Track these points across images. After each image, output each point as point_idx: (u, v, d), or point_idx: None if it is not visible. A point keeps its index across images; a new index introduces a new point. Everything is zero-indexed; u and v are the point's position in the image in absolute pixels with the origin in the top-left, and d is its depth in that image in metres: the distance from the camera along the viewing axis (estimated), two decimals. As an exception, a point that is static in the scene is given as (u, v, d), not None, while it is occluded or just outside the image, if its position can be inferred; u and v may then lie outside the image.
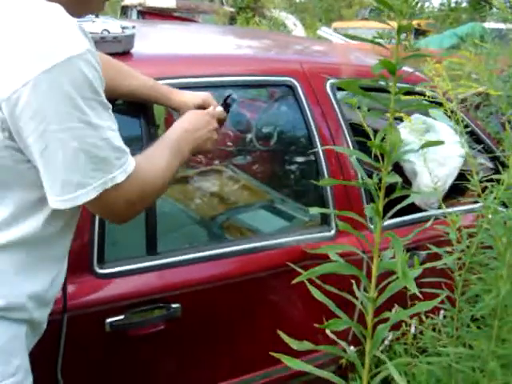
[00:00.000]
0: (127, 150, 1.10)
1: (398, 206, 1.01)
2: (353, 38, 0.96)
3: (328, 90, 2.16)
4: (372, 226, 2.21)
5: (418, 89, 1.47)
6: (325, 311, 1.10)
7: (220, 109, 1.62)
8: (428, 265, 1.04)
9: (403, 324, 1.66)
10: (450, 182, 2.69)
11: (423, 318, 1.61)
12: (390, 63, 0.83)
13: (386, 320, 1.03)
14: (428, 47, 6.69)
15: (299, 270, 1.05)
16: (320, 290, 1.07)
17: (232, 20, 13.16)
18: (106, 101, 1.05)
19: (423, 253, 1.80)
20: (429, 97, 1.68)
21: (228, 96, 1.67)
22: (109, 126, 1.05)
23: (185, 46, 2.21)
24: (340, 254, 1.97)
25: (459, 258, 1.40)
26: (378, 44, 0.97)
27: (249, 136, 2.54)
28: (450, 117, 1.68)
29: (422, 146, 0.94)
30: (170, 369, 1.81)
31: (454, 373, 1.30)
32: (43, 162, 0.99)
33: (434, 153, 2.68)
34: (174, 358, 1.81)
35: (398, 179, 0.93)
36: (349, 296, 0.99)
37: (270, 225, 2.27)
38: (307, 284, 1.01)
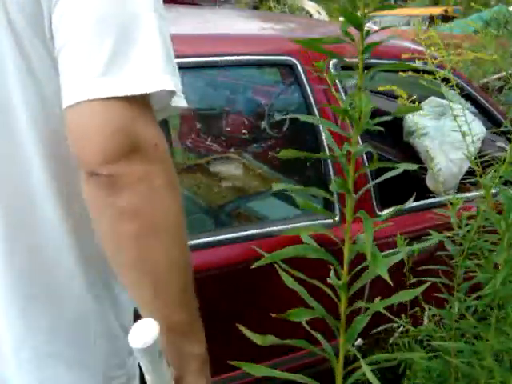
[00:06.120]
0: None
1: (383, 177, 0.90)
2: None
3: (331, 69, 2.05)
4: (380, 213, 2.14)
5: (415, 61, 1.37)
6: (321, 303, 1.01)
7: None
8: (415, 246, 0.93)
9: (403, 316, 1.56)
10: (466, 166, 2.57)
11: (426, 308, 1.50)
12: (355, 16, 0.72)
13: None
14: (452, 32, 6.48)
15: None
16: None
17: (254, 9, 13.02)
18: None
19: (426, 243, 1.68)
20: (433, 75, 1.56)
21: None
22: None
23: (182, 26, 2.13)
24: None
25: (460, 244, 1.30)
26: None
27: (246, 119, 2.45)
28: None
29: (397, 113, 0.83)
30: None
31: (453, 368, 1.20)
32: None
33: (449, 136, 2.57)
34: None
35: (370, 149, 0.82)
36: (322, 284, 0.89)
37: (271, 211, 2.18)
38: (278, 269, 0.92)
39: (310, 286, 0.94)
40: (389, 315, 0.94)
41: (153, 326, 0.73)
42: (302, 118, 0.87)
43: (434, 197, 2.25)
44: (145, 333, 0.72)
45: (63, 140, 0.77)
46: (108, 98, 0.72)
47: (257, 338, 0.89)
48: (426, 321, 1.64)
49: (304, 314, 0.84)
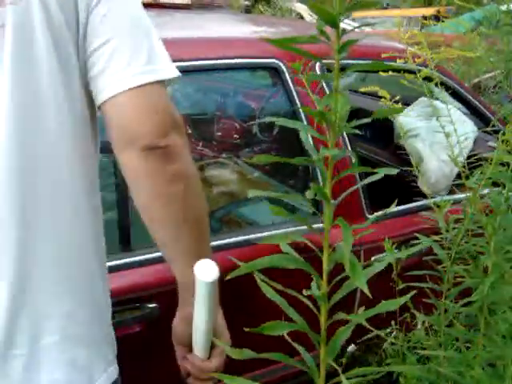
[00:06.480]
0: None
1: (364, 182, 0.86)
2: None
3: (317, 71, 2.02)
4: (370, 216, 2.11)
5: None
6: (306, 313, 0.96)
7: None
8: (403, 253, 0.89)
9: (392, 322, 1.52)
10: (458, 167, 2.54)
11: (417, 314, 1.47)
12: (329, 14, 0.68)
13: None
14: (444, 32, 6.45)
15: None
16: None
17: (247, 13, 13.01)
18: None
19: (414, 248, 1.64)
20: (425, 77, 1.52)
21: None
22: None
23: (169, 30, 2.09)
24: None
25: (449, 248, 1.26)
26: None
27: (231, 124, 2.42)
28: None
29: (377, 114, 0.79)
30: (147, 373, 1.69)
31: (443, 376, 1.17)
32: None
33: (440, 137, 2.54)
34: (152, 362, 1.69)
35: (348, 153, 0.78)
36: (302, 295, 0.85)
37: (262, 216, 2.14)
38: (257, 278, 0.88)
39: (292, 296, 0.91)
40: (369, 326, 0.90)
41: (211, 264, 0.92)
42: (279, 121, 0.83)
43: (424, 199, 2.22)
44: (208, 270, 0.90)
45: (83, 123, 0.93)
46: (152, 83, 0.88)
47: (233, 352, 0.86)
48: (419, 326, 1.60)
49: (281, 328, 0.81)
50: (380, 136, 3.04)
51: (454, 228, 1.28)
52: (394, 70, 1.44)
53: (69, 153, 0.92)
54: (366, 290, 0.70)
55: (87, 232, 0.98)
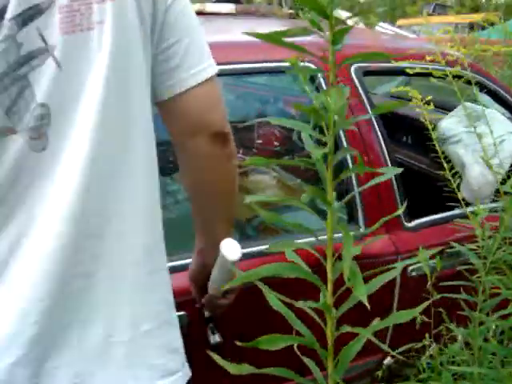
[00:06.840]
0: None
1: (366, 186, 0.80)
2: None
3: (353, 75, 1.95)
4: (408, 224, 2.02)
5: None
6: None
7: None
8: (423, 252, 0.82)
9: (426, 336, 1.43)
10: (503, 173, 2.42)
11: (454, 328, 1.37)
12: (319, 3, 0.62)
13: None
14: (490, 38, 6.26)
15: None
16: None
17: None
18: None
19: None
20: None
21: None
22: None
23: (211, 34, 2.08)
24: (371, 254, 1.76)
25: (485, 258, 1.18)
26: None
27: (271, 131, 2.37)
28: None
29: (376, 111, 0.72)
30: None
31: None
32: None
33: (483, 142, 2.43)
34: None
35: (352, 152, 0.72)
36: (305, 306, 0.79)
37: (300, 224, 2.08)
38: (262, 288, 0.83)
39: (302, 309, 0.85)
40: (372, 338, 0.82)
41: (235, 243, 1.09)
42: (273, 120, 0.78)
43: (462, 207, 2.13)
44: (233, 248, 1.08)
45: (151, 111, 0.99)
46: (214, 76, 0.99)
47: (230, 367, 0.81)
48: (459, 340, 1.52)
49: (279, 341, 0.75)
50: (421, 141, 2.96)
51: (489, 236, 1.20)
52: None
53: (144, 148, 0.96)
54: (365, 301, 0.64)
55: (161, 227, 1.03)
